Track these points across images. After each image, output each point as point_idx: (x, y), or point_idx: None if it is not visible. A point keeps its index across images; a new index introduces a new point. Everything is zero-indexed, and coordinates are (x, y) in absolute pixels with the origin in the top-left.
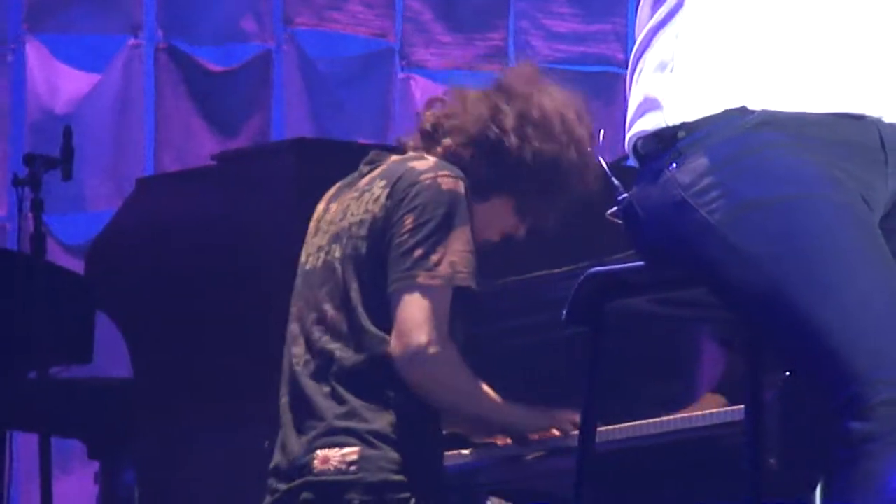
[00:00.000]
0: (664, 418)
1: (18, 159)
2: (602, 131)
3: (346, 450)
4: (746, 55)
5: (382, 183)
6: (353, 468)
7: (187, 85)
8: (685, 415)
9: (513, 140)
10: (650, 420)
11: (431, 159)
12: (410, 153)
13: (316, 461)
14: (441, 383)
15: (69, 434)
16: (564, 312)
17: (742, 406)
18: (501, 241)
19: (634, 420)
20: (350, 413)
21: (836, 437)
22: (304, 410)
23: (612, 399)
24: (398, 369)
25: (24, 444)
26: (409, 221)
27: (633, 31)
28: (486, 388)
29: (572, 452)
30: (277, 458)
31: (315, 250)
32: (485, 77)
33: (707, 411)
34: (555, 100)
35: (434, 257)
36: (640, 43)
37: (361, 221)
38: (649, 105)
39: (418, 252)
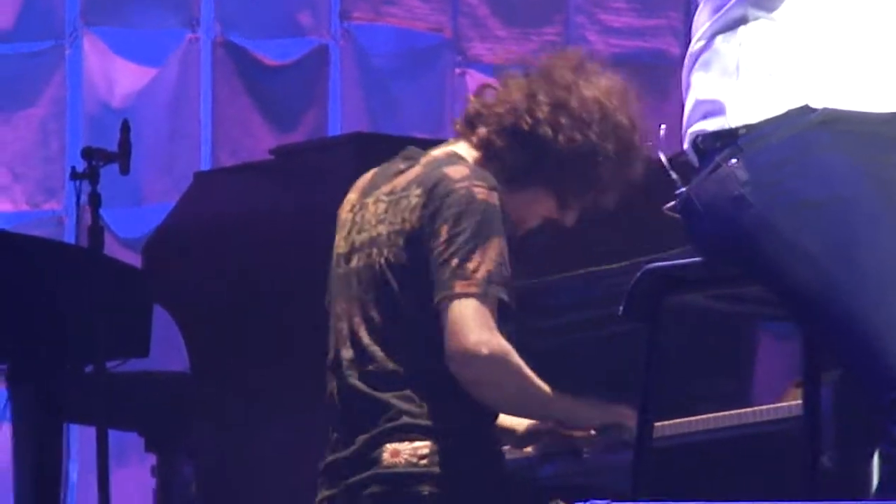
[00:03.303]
0: (721, 414)
1: (76, 153)
2: (663, 126)
3: (417, 443)
4: (809, 56)
5: (418, 191)
6: (424, 461)
7: (244, 79)
8: (741, 411)
9: (546, 130)
10: (707, 416)
11: (465, 168)
12: (448, 151)
13: (385, 454)
14: (494, 383)
15: (126, 427)
16: (621, 308)
17: (799, 402)
18: (558, 237)
19: (690, 416)
20: (414, 411)
21: (882, 434)
22: (360, 409)
23: (668, 395)
24: (453, 373)
25: (82, 437)
26: (444, 232)
27: (688, 26)
28: (542, 385)
29: (629, 448)
30: (333, 454)
31: (357, 247)
32: None
33: (762, 408)
34: (597, 88)
35: (470, 265)
36: (698, 43)
37: (400, 231)
38: (712, 107)
39: (454, 262)
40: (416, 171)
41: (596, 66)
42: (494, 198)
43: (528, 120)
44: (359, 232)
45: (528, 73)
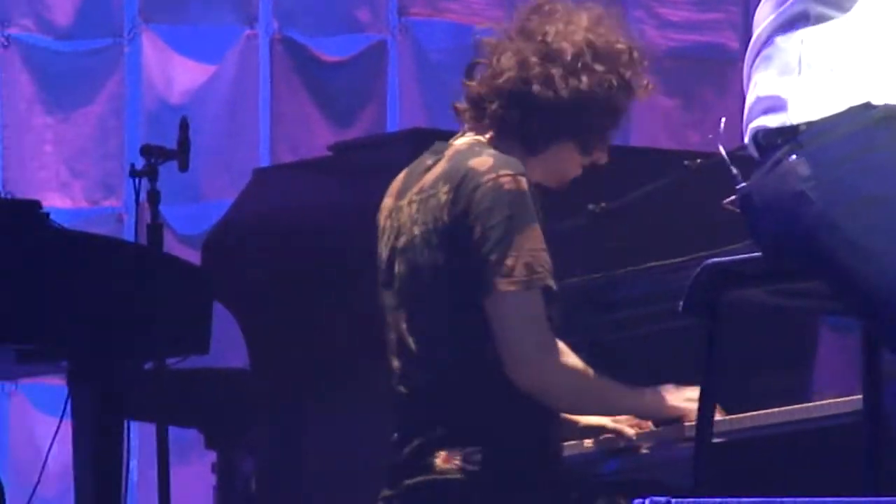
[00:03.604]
0: (781, 409)
1: (135, 150)
2: (723, 120)
3: (469, 448)
4: (871, 53)
5: (446, 188)
6: (475, 466)
7: (302, 76)
8: (801, 406)
9: (544, 89)
10: (767, 411)
11: (489, 157)
12: (470, 141)
13: (438, 460)
14: (555, 386)
15: (186, 424)
16: (681, 303)
17: (860, 397)
18: (618, 233)
19: (750, 412)
20: (464, 415)
21: None
22: (411, 415)
23: (728, 390)
24: (509, 377)
25: (142, 434)
26: (477, 229)
27: (747, 20)
28: (599, 380)
29: (690, 443)
30: (393, 455)
31: (398, 253)
32: None
33: (824, 402)
34: (578, 26)
35: (508, 262)
36: (760, 38)
37: (433, 230)
38: (773, 104)
39: (492, 259)
40: (441, 166)
41: (566, 3)
42: (522, 183)
43: (526, 84)
44: (397, 237)
45: (510, 37)
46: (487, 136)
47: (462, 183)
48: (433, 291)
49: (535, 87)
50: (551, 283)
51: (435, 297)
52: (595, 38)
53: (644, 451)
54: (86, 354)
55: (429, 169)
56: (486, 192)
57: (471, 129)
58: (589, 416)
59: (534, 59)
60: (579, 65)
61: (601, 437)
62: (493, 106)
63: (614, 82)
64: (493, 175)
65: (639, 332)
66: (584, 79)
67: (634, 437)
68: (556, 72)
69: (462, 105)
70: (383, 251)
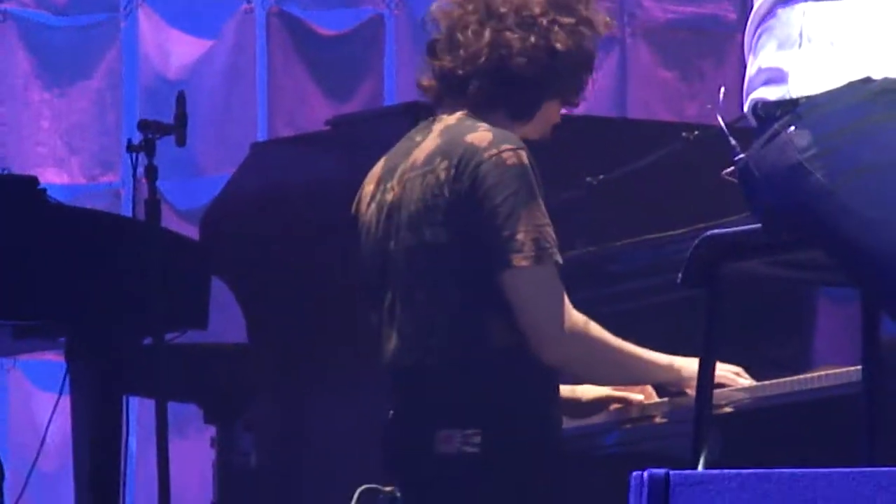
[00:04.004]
0: (781, 380)
1: (132, 125)
2: (722, 89)
3: (469, 430)
4: (871, 29)
5: (444, 164)
6: (475, 448)
7: (299, 50)
8: (801, 377)
9: (527, 62)
10: (767, 382)
11: (487, 132)
12: (458, 115)
13: (438, 441)
14: (577, 358)
15: (185, 399)
16: (680, 275)
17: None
18: (616, 205)
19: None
20: (464, 395)
21: None
22: (410, 394)
23: (727, 362)
24: (538, 354)
25: (141, 409)
26: (485, 206)
27: None
28: (621, 346)
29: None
30: (389, 433)
31: (392, 233)
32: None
33: (823, 373)
34: None
35: (519, 236)
36: (760, 10)
37: (434, 207)
38: (774, 76)
39: (504, 235)
40: (434, 142)
41: None
42: (524, 156)
43: (506, 60)
44: (388, 219)
45: (467, 9)
46: (470, 110)
47: (462, 159)
48: (434, 269)
49: (517, 61)
50: (558, 257)
51: (436, 276)
52: None
53: (659, 420)
54: (84, 330)
55: (417, 145)
56: (490, 169)
57: (449, 106)
58: (615, 385)
59: (508, 34)
60: (551, 25)
61: (612, 408)
62: (475, 85)
63: (583, 30)
64: (494, 151)
65: (638, 304)
66: (559, 37)
67: (645, 405)
68: (532, 40)
69: (430, 82)
70: (372, 236)
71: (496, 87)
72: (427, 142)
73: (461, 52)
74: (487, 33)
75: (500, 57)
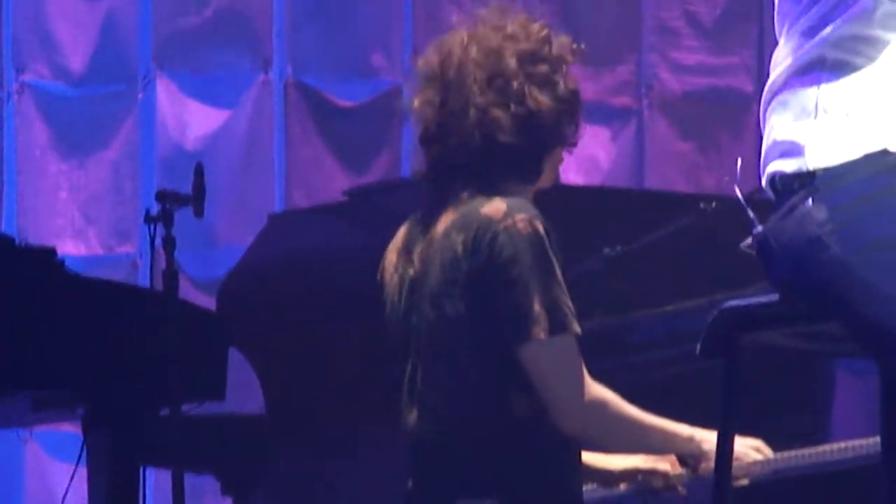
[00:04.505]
0: (799, 451)
1: (150, 196)
2: (739, 161)
3: (489, 501)
4: (887, 100)
5: (461, 237)
6: None
7: (316, 121)
8: (819, 448)
9: (524, 136)
10: (785, 453)
11: (501, 202)
12: (472, 192)
13: None
14: (597, 430)
15: (202, 470)
16: (699, 345)
17: (878, 439)
18: (634, 276)
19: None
20: (482, 466)
21: None
22: (429, 465)
23: (746, 433)
24: (557, 425)
25: (158, 480)
26: (501, 278)
27: (761, 63)
28: (640, 417)
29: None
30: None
31: (413, 305)
32: (613, 111)
33: (841, 445)
34: (500, 44)
35: (536, 308)
36: (776, 82)
37: (452, 281)
38: (790, 148)
39: (522, 307)
40: (450, 216)
41: (488, 19)
42: (539, 226)
43: (488, 135)
44: (411, 292)
45: (440, 94)
46: (480, 189)
47: (478, 232)
48: (454, 343)
49: (505, 138)
50: (576, 327)
51: (456, 349)
52: (522, 47)
53: (680, 491)
54: (101, 401)
55: (435, 221)
56: (506, 240)
57: (458, 189)
58: (633, 453)
59: (491, 111)
60: (523, 87)
61: (640, 479)
62: (475, 168)
63: (556, 76)
64: (509, 221)
65: (656, 375)
66: (537, 99)
67: (671, 476)
68: (512, 108)
69: (425, 172)
70: (396, 307)
71: (495, 166)
72: (445, 217)
73: (456, 139)
74: (472, 113)
75: (489, 136)
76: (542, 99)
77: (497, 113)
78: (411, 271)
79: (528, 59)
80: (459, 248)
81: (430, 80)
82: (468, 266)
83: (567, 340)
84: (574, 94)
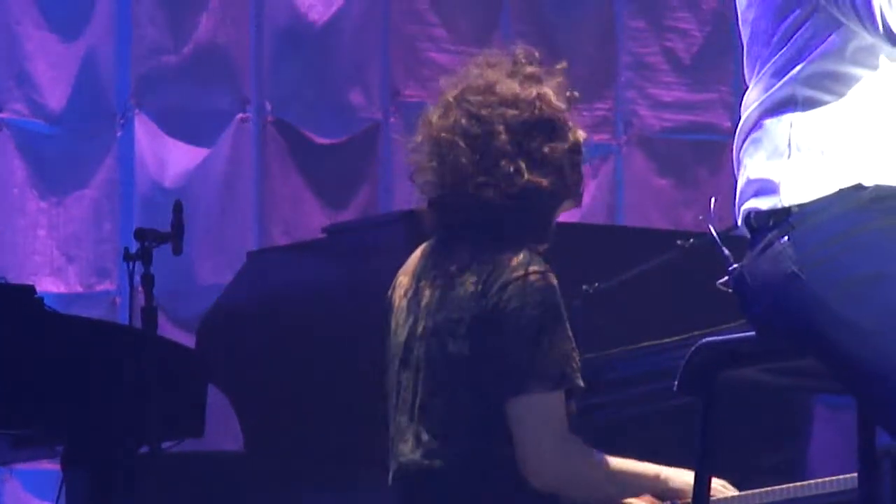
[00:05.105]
0: (777, 487)
1: (129, 234)
2: (713, 200)
3: None
4: (861, 136)
5: (473, 279)
6: None
7: (295, 158)
8: (798, 484)
9: (512, 209)
10: (763, 489)
11: (518, 253)
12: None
13: None
14: (571, 485)
15: None
16: (676, 382)
17: (855, 474)
18: (611, 313)
19: (746, 490)
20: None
21: None
22: (422, 496)
23: (722, 469)
24: (528, 479)
25: None
26: (508, 327)
27: (739, 99)
28: (620, 466)
29: None
30: None
31: (418, 336)
32: (591, 147)
33: (820, 480)
34: (508, 96)
35: (539, 362)
36: (748, 122)
37: (459, 321)
38: (765, 186)
39: (524, 359)
40: (466, 252)
41: (476, 70)
42: (551, 279)
43: (517, 192)
44: (416, 321)
45: (444, 133)
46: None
47: (490, 276)
48: (454, 381)
49: (512, 218)
50: (580, 381)
51: (455, 387)
52: (528, 101)
53: None
54: (80, 439)
55: (449, 253)
56: (517, 290)
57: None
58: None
59: (504, 162)
60: (533, 162)
61: None
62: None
63: (564, 122)
64: (521, 272)
65: (633, 412)
66: (537, 178)
67: None
68: (520, 162)
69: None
70: (399, 331)
71: (508, 235)
72: (460, 254)
73: (452, 209)
74: (469, 188)
75: (487, 210)
76: (543, 179)
77: (490, 193)
78: (419, 300)
79: (521, 131)
80: (470, 289)
81: (427, 140)
82: (476, 308)
83: (558, 398)
84: (579, 142)
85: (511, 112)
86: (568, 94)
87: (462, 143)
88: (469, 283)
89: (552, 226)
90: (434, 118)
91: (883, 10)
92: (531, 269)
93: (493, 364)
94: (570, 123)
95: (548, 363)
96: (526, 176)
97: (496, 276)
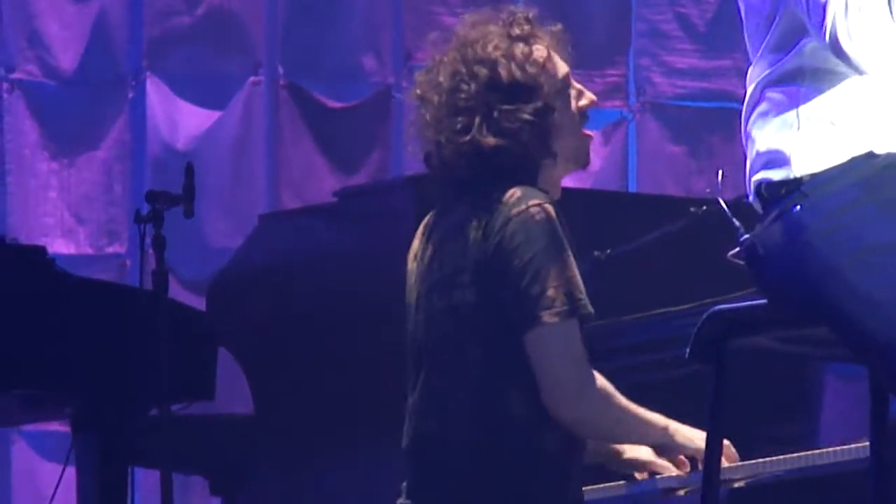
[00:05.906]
0: (788, 456)
1: (140, 196)
2: (720, 172)
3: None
4: (869, 105)
5: (475, 223)
6: None
7: (307, 122)
8: (808, 453)
9: (515, 128)
10: (774, 458)
11: (516, 190)
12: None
13: None
14: (596, 418)
15: (190, 470)
16: (687, 350)
17: (867, 443)
18: (623, 280)
19: (757, 458)
20: (487, 462)
21: None
22: (431, 459)
23: (734, 437)
24: (552, 415)
25: (146, 480)
26: (514, 264)
27: None
28: (636, 411)
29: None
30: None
31: (425, 293)
32: (605, 114)
33: (830, 449)
34: (504, 48)
35: (550, 293)
36: (753, 95)
37: (464, 268)
38: (775, 157)
39: (533, 292)
40: (464, 204)
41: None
42: (551, 210)
43: (525, 140)
44: (423, 279)
45: (462, 88)
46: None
47: (491, 219)
48: (460, 331)
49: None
50: (590, 307)
51: (461, 337)
52: (497, 61)
53: (681, 493)
54: (90, 401)
55: (453, 208)
56: (518, 225)
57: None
58: (625, 444)
59: (462, 119)
60: (517, 90)
61: (657, 476)
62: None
63: (536, 85)
64: (522, 207)
65: (644, 379)
66: (508, 108)
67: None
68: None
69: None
70: (411, 293)
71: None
72: (461, 205)
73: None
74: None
75: (522, 140)
76: (483, 137)
77: (446, 151)
78: (426, 259)
79: (485, 90)
80: (472, 234)
81: (414, 98)
82: (478, 252)
83: (574, 327)
84: (539, 112)
85: (483, 71)
86: (566, 56)
87: (436, 100)
88: (470, 230)
89: (534, 175)
90: (420, 76)
91: (836, 18)
92: (531, 202)
93: (500, 307)
94: (547, 88)
95: (557, 292)
96: (473, 134)
97: (497, 218)
